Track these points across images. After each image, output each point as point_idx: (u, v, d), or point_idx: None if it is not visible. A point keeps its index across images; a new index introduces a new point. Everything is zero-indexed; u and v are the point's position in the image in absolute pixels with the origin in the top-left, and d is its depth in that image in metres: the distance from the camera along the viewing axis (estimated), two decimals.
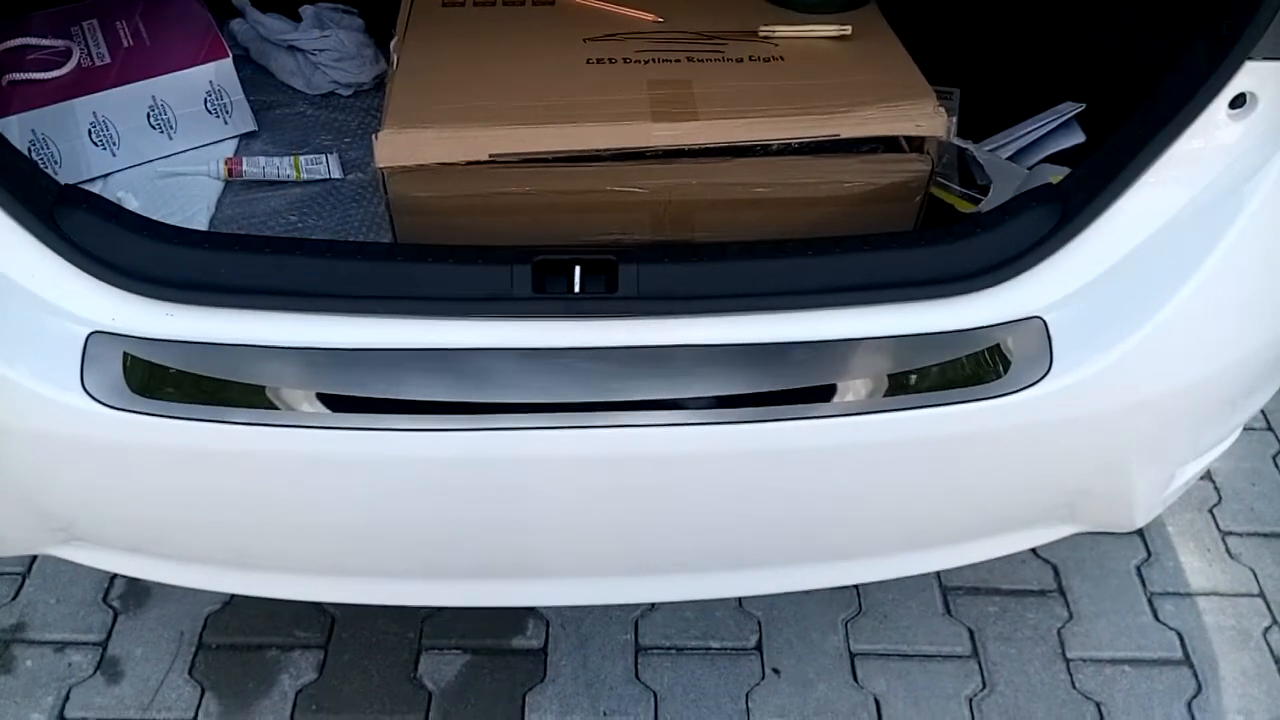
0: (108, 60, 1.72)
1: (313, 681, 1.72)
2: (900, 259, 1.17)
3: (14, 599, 1.81)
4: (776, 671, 1.75)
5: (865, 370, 1.16)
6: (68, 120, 1.64)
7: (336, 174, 1.71)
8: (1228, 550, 1.95)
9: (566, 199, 1.34)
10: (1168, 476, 1.41)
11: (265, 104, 1.86)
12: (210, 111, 1.75)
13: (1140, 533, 1.96)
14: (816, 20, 1.51)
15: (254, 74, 1.90)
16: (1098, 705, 1.71)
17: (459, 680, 1.73)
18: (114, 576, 1.84)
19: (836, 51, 1.47)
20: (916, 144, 1.37)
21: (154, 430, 1.12)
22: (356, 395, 1.12)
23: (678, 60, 1.43)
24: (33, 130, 1.61)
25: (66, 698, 1.68)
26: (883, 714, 1.69)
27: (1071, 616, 1.83)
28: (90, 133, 1.66)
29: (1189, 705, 1.71)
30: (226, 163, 1.70)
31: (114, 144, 1.69)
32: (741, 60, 1.44)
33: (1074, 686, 1.74)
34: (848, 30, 1.49)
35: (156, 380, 1.11)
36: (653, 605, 1.82)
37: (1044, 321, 1.16)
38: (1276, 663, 1.78)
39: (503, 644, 1.77)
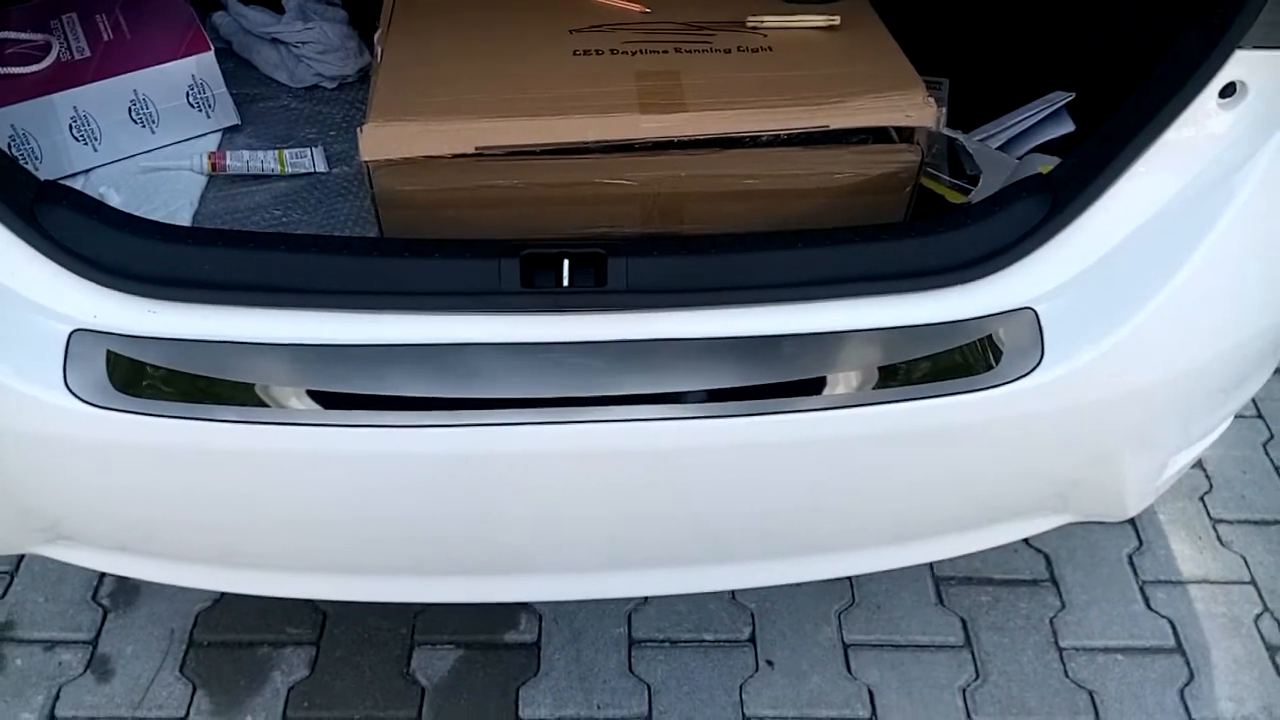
0: (88, 54, 1.70)
1: (305, 678, 1.71)
2: (890, 250, 1.16)
3: (2, 597, 1.80)
4: (770, 663, 1.75)
5: (856, 362, 1.16)
6: (48, 115, 1.62)
7: (321, 168, 1.69)
8: (1219, 538, 1.96)
9: (554, 192, 1.33)
10: (1159, 466, 1.41)
11: (248, 97, 1.85)
12: (193, 105, 1.74)
13: (1132, 521, 1.96)
14: (805, 11, 1.50)
15: (237, 67, 1.89)
16: (1090, 694, 1.72)
17: (452, 675, 1.72)
18: (103, 575, 1.82)
19: (825, 42, 1.47)
20: (906, 134, 1.36)
21: (138, 428, 1.10)
22: (343, 392, 1.11)
23: (665, 51, 1.42)
24: (12, 126, 1.60)
25: (57, 697, 1.67)
26: (876, 704, 1.70)
27: (1064, 606, 1.84)
28: (71, 128, 1.65)
29: (1181, 693, 1.72)
30: (210, 157, 1.68)
31: (95, 139, 1.67)
32: (730, 51, 1.43)
33: (1067, 675, 1.74)
34: (836, 20, 1.49)
35: (140, 378, 1.10)
36: (646, 598, 1.82)
37: (1035, 312, 1.16)
38: (1268, 650, 1.79)
39: (495, 638, 1.77)
